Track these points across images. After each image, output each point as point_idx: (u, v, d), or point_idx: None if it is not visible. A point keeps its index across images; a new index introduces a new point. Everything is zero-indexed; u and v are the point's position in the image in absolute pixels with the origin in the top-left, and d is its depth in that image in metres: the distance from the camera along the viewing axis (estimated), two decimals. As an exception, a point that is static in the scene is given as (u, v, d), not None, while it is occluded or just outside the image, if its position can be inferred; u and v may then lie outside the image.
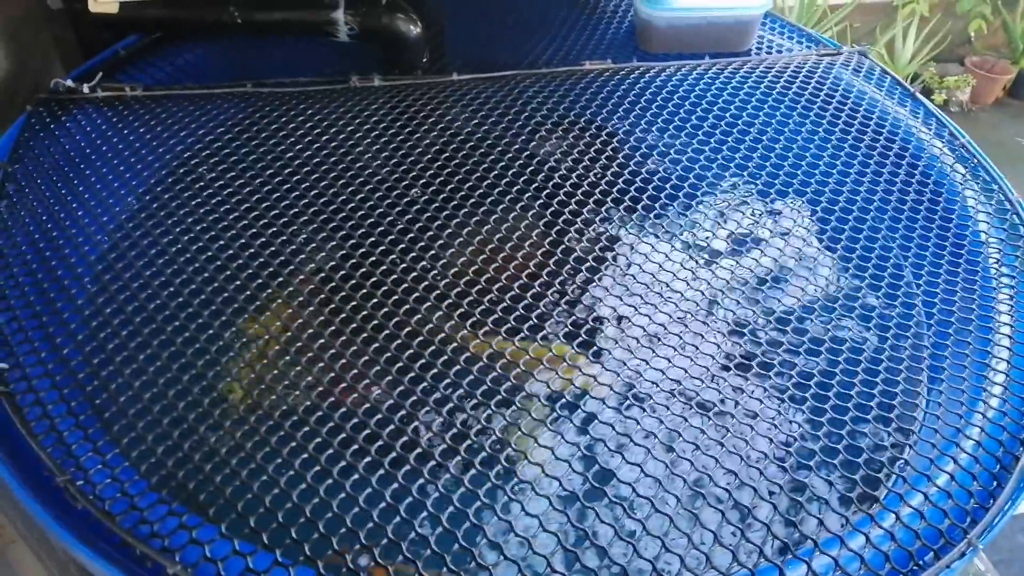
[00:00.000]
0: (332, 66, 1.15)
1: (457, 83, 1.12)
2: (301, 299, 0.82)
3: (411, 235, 0.88)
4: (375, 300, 0.80)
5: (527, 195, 0.93)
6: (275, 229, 0.88)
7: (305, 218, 0.90)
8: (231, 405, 0.72)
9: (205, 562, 0.59)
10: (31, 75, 1.18)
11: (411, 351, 0.75)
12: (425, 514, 0.62)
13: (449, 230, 0.89)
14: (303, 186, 0.94)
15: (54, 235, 0.86)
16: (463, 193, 0.93)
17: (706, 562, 0.61)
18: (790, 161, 1.02)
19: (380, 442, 0.68)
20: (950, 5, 3.13)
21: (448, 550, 0.60)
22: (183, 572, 0.58)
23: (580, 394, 0.74)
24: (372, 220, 0.89)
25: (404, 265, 0.84)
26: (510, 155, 0.99)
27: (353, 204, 0.91)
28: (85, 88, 1.05)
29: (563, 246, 0.88)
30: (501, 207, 0.92)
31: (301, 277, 0.85)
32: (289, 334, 0.78)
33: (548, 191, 0.94)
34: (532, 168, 0.97)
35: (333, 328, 0.78)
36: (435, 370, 0.74)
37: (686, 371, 0.76)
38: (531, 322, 0.79)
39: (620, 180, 0.96)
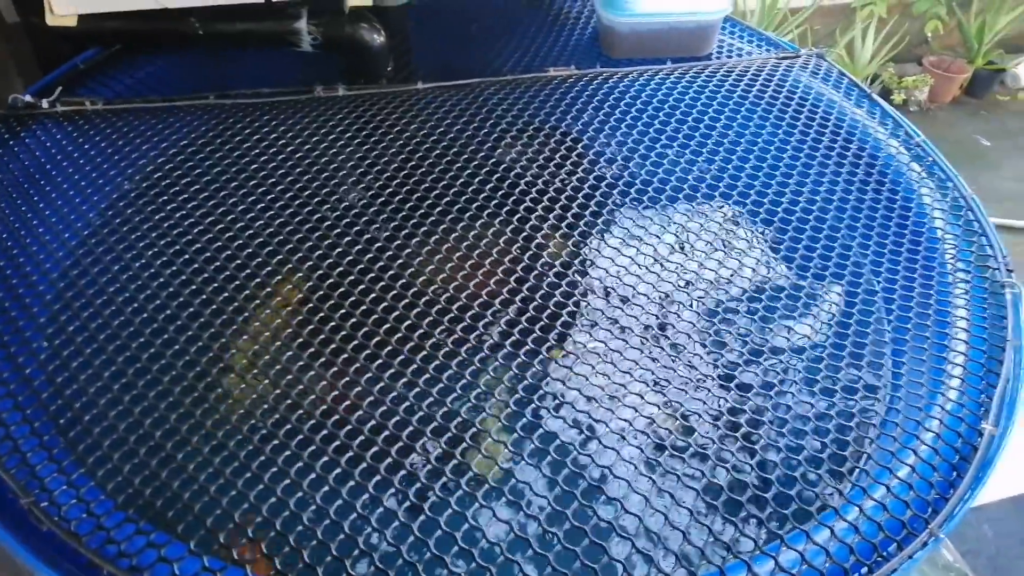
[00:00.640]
0: (296, 76, 1.14)
1: (422, 91, 1.12)
2: (268, 310, 0.82)
3: (377, 244, 0.88)
4: (343, 311, 0.80)
5: (493, 203, 0.94)
6: (240, 242, 0.87)
7: (271, 230, 0.90)
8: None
9: (174, 580, 0.58)
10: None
11: (380, 361, 0.75)
12: (397, 524, 0.62)
13: (415, 239, 0.90)
14: (268, 197, 0.94)
15: (14, 252, 0.85)
16: (429, 201, 0.93)
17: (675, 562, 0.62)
18: (751, 163, 1.04)
19: (350, 453, 0.68)
20: (907, 7, 3.20)
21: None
22: (152, 591, 0.57)
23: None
24: (338, 231, 0.89)
25: (371, 275, 0.84)
26: (476, 162, 1.00)
27: (319, 215, 0.91)
28: (44, 103, 1.03)
29: (528, 255, 0.89)
30: (467, 215, 0.92)
31: (268, 290, 0.85)
32: (256, 347, 0.77)
33: (513, 198, 0.94)
34: (498, 175, 0.97)
35: (301, 340, 0.78)
36: (406, 379, 0.74)
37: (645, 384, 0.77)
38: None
39: (584, 186, 0.97)
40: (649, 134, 1.06)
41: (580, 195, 0.96)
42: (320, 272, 0.84)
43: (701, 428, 0.74)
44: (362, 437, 0.69)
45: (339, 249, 0.87)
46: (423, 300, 0.82)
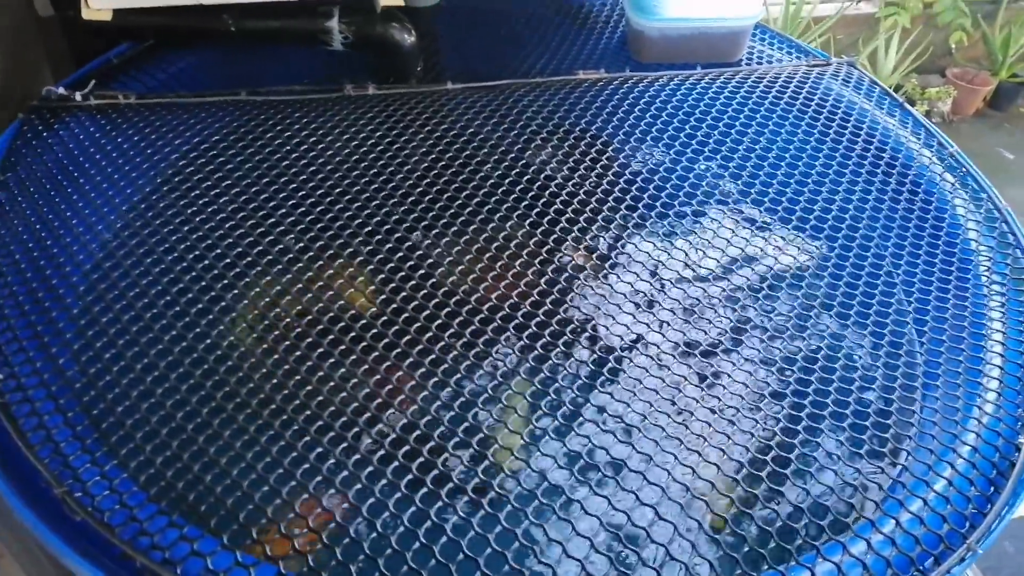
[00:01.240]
0: (327, 75, 1.15)
1: (452, 92, 1.12)
2: (299, 307, 0.82)
3: (408, 243, 0.88)
4: (374, 310, 0.80)
5: (522, 204, 0.93)
6: (272, 238, 0.87)
7: (302, 227, 0.90)
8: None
9: (207, 574, 0.58)
10: (22, 84, 1.17)
11: (413, 361, 0.75)
12: (429, 524, 0.62)
13: (445, 239, 0.89)
14: (299, 194, 0.94)
15: (48, 243, 0.85)
16: (459, 202, 0.93)
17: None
18: (783, 171, 1.03)
19: (382, 451, 0.67)
20: (931, 17, 3.18)
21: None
22: (185, 584, 0.57)
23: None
24: (369, 229, 0.89)
25: (402, 274, 0.84)
26: (505, 163, 1.00)
27: (349, 212, 0.91)
28: (78, 96, 1.04)
29: (555, 259, 0.88)
30: (496, 216, 0.92)
31: (299, 285, 0.84)
32: (288, 342, 0.77)
33: (542, 199, 0.94)
34: (527, 176, 0.97)
35: (333, 337, 0.77)
36: (436, 379, 0.74)
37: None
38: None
39: (614, 190, 0.97)
40: (679, 139, 1.06)
41: (609, 198, 0.96)
42: (359, 277, 0.84)
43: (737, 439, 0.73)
44: (393, 436, 0.69)
45: (369, 247, 0.87)
46: (453, 299, 0.82)
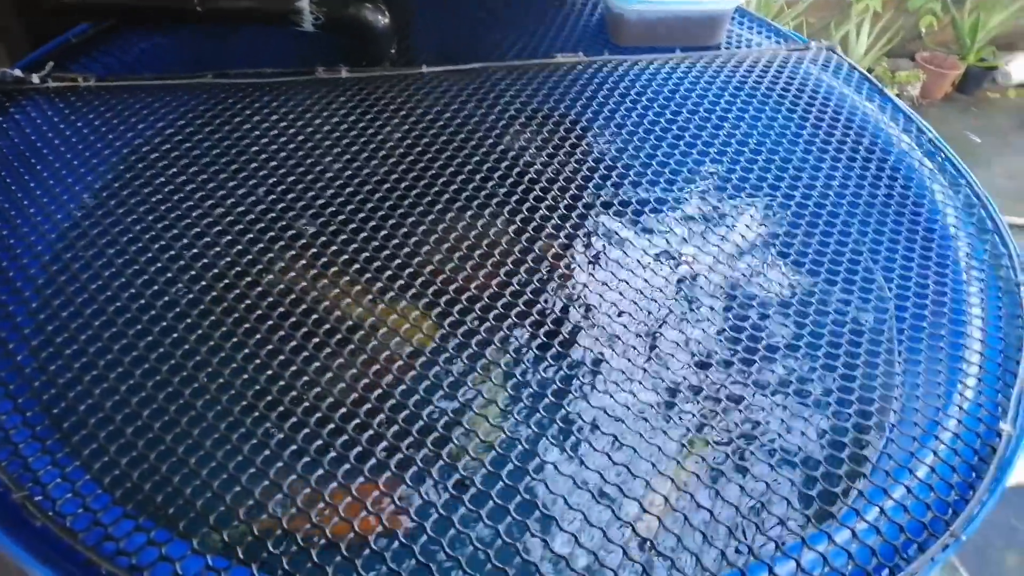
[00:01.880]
0: (297, 58, 1.11)
1: (426, 75, 1.09)
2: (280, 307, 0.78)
3: (381, 230, 0.85)
4: (343, 296, 0.77)
5: (498, 190, 0.91)
6: (240, 226, 0.84)
7: (272, 214, 0.87)
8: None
9: (176, 579, 0.56)
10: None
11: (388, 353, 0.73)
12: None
13: (417, 224, 0.87)
14: (268, 180, 0.90)
15: (3, 233, 0.82)
16: (434, 188, 0.91)
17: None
18: (763, 156, 1.02)
19: (359, 448, 0.65)
20: (902, 2, 3.20)
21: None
22: (153, 591, 0.55)
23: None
24: (341, 216, 0.86)
25: (373, 261, 0.82)
26: (480, 148, 0.97)
27: (320, 199, 0.88)
28: (35, 78, 0.99)
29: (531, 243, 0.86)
30: (473, 202, 0.89)
31: (269, 277, 0.81)
32: (259, 336, 0.74)
33: (520, 185, 0.92)
34: (502, 162, 0.95)
35: (306, 329, 0.75)
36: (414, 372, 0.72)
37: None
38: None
39: (592, 174, 0.95)
40: (658, 123, 1.04)
41: (586, 184, 0.94)
42: (320, 257, 0.82)
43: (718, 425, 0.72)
44: (368, 432, 0.66)
45: (343, 236, 0.84)
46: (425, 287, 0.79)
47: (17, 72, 0.99)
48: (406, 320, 0.76)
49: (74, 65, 1.06)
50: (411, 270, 0.81)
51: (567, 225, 0.89)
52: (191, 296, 0.77)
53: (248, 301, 0.77)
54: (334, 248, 0.83)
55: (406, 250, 0.83)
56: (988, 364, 0.81)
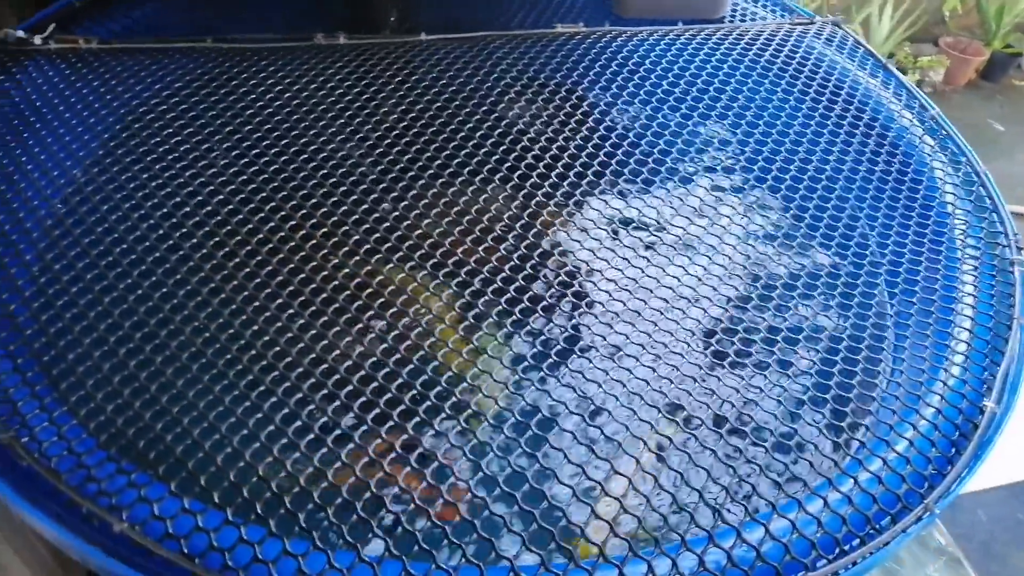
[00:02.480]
0: (297, 23, 1.11)
1: (426, 43, 1.09)
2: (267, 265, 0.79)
3: (373, 196, 0.86)
4: (336, 261, 0.78)
5: (493, 159, 0.91)
6: (233, 187, 0.85)
7: (267, 179, 0.87)
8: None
9: (153, 520, 0.57)
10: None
11: (372, 312, 0.74)
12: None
13: (412, 193, 0.87)
14: (263, 144, 0.91)
15: (2, 190, 0.83)
16: (428, 155, 0.91)
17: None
18: (760, 129, 1.01)
19: (337, 402, 0.66)
20: (926, -16, 3.14)
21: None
22: (130, 530, 0.56)
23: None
24: (334, 180, 0.87)
25: (366, 227, 0.82)
26: (478, 117, 0.97)
27: (315, 164, 0.89)
28: (37, 39, 1.00)
29: (527, 213, 0.87)
30: (467, 170, 0.90)
31: (265, 243, 0.82)
32: (246, 293, 0.75)
33: (515, 155, 0.92)
34: (500, 131, 0.95)
35: (292, 288, 0.76)
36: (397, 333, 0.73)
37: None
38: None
39: (588, 145, 0.95)
40: (657, 95, 1.04)
41: (584, 155, 0.94)
42: (314, 221, 0.83)
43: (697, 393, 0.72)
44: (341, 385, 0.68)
45: (334, 198, 0.85)
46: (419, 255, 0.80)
47: (20, 33, 1.00)
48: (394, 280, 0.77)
49: (77, 27, 1.07)
50: (400, 234, 0.82)
51: (559, 194, 0.89)
52: (182, 254, 0.78)
53: (237, 259, 0.78)
54: (324, 210, 0.83)
55: (396, 214, 0.84)
56: (977, 342, 0.80)
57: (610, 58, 1.09)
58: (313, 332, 0.72)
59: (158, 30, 1.09)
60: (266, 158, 0.89)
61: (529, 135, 0.95)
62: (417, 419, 0.65)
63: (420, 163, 0.90)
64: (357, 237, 0.81)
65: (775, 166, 0.96)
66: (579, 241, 0.85)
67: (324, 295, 0.75)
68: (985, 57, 3.25)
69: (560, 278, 0.81)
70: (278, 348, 0.70)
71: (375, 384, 0.67)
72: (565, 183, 0.90)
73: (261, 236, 0.81)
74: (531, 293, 0.77)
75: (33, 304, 0.73)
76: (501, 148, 0.93)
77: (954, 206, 0.95)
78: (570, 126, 0.98)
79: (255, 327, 0.72)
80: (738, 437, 0.69)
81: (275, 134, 0.92)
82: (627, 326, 0.76)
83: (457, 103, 0.99)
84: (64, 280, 0.74)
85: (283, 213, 0.83)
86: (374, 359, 0.70)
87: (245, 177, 0.86)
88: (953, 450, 0.71)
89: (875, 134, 1.03)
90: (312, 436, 0.63)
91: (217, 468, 0.60)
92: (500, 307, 0.76)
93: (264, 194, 0.85)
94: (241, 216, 0.82)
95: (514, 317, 0.76)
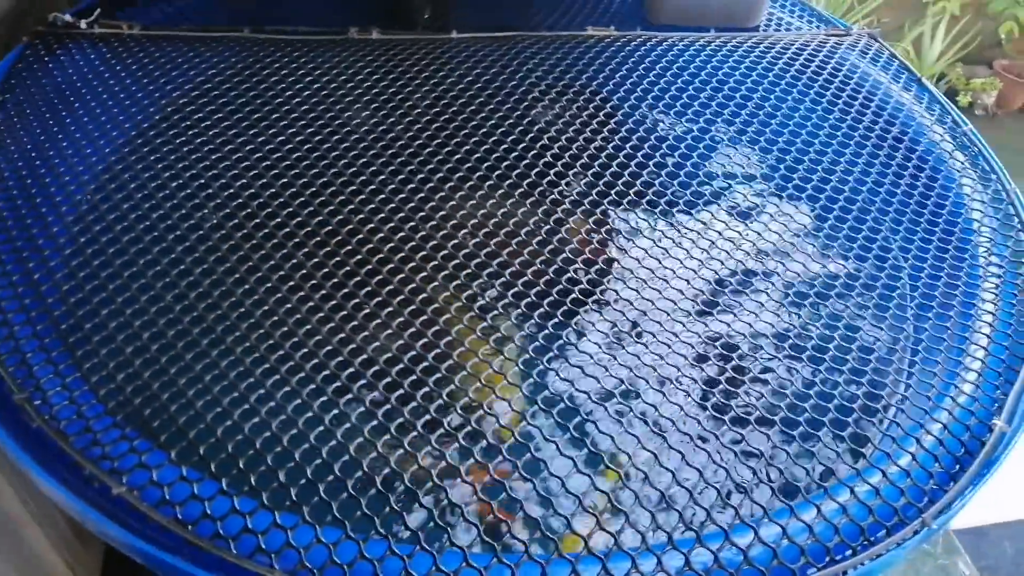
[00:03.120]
0: (332, 17, 1.14)
1: (457, 41, 1.11)
2: (283, 249, 0.81)
3: (401, 194, 0.87)
4: (359, 257, 0.79)
5: (521, 162, 0.92)
6: (264, 180, 0.87)
7: (296, 171, 0.89)
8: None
9: (151, 486, 0.59)
10: (38, 11, 1.18)
11: (390, 309, 0.75)
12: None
13: (439, 193, 0.88)
14: (293, 136, 0.93)
15: (39, 166, 0.87)
16: (457, 155, 0.92)
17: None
18: (785, 138, 1.00)
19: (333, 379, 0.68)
20: (982, 6, 3.06)
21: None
22: (128, 493, 0.58)
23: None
24: (363, 177, 0.88)
25: (391, 224, 0.83)
26: (505, 118, 0.98)
27: (344, 159, 0.90)
28: (82, 23, 1.05)
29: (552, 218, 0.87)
30: (495, 173, 0.90)
31: (286, 230, 0.84)
32: (260, 275, 0.77)
33: (543, 159, 0.92)
34: (527, 134, 0.95)
35: (312, 278, 0.78)
36: (402, 319, 0.74)
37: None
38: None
39: (618, 152, 0.95)
40: (682, 100, 1.04)
41: (612, 162, 0.94)
42: (340, 217, 0.84)
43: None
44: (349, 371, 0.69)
45: (361, 196, 0.86)
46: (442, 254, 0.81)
47: (67, 17, 1.05)
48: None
49: (121, 13, 1.11)
50: (424, 233, 0.83)
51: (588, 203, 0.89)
52: (203, 235, 0.81)
53: (254, 241, 0.80)
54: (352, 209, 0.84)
55: (422, 214, 0.84)
56: (992, 360, 0.78)
57: (639, 63, 1.09)
58: (329, 325, 0.73)
59: (199, 18, 1.13)
60: (296, 151, 0.91)
61: (553, 137, 0.95)
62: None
63: (447, 164, 0.90)
64: (392, 244, 0.81)
65: (796, 175, 0.95)
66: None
67: (336, 281, 0.76)
68: (1041, 81, 3.17)
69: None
70: (286, 329, 0.72)
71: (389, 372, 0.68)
72: (594, 191, 0.90)
73: (287, 230, 0.82)
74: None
75: (56, 275, 0.75)
76: (528, 151, 0.92)
77: (980, 223, 0.93)
78: (597, 132, 0.97)
79: (268, 309, 0.74)
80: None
81: (308, 130, 0.93)
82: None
83: (482, 101, 1.00)
84: (88, 254, 0.77)
85: (319, 217, 0.84)
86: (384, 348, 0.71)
87: (279, 173, 0.88)
88: (957, 467, 0.69)
89: (903, 147, 1.01)
90: (311, 414, 0.65)
91: (216, 440, 0.62)
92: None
93: (299, 195, 0.86)
94: (269, 209, 0.84)
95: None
